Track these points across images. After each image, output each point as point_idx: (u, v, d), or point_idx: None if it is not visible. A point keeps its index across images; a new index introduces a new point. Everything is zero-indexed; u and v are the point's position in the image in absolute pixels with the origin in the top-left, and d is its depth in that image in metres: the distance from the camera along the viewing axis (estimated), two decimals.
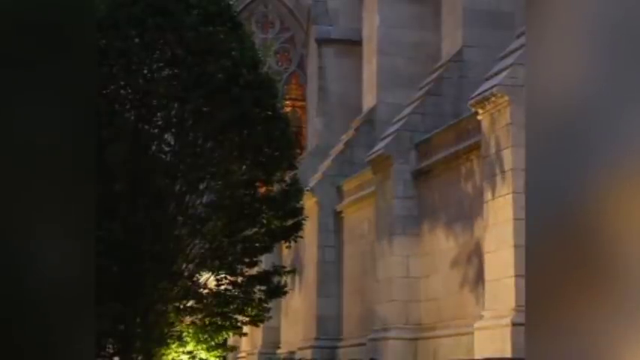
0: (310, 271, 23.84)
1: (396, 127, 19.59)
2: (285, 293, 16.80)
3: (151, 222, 14.73)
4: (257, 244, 16.00)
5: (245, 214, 15.59)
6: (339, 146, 24.11)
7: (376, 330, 19.27)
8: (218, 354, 16.27)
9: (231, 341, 26.55)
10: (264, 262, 17.70)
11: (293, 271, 18.70)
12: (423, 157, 18.85)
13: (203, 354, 15.92)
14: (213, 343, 16.02)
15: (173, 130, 15.42)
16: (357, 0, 25.35)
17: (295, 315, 25.96)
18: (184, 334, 15.71)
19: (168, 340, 15.45)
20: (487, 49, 18.17)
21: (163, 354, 15.45)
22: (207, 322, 15.84)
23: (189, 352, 15.79)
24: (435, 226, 18.31)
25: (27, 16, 5.84)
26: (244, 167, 15.55)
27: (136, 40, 15.07)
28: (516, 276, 14.06)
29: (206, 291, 15.79)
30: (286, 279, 17.45)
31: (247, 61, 15.26)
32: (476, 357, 14.93)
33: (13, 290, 5.64)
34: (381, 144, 19.73)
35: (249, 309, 16.04)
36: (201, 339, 15.86)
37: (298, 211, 16.24)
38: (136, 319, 14.87)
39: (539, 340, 5.80)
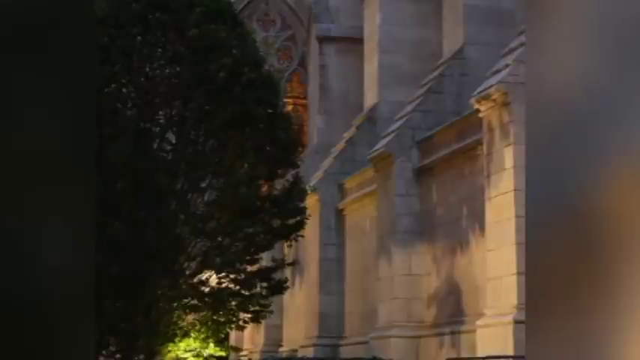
0: (312, 269, 23.85)
1: (397, 124, 19.60)
2: (285, 289, 16.84)
3: (153, 220, 14.75)
4: (258, 242, 16.02)
5: (247, 213, 15.60)
6: (341, 144, 24.12)
7: (378, 328, 19.27)
8: (222, 348, 16.39)
9: (233, 339, 26.64)
10: (265, 259, 17.72)
11: (293, 264, 18.76)
12: (424, 155, 18.86)
13: (211, 350, 16.00)
14: (215, 340, 16.09)
15: (175, 128, 15.43)
16: None
17: (297, 313, 25.97)
18: (191, 331, 15.78)
19: (176, 338, 15.50)
20: (488, 46, 18.19)
21: (170, 351, 15.50)
22: (209, 321, 15.87)
23: (192, 350, 15.84)
24: (436, 223, 18.31)
25: (26, 14, 5.85)
26: (246, 165, 15.56)
27: (139, 38, 15.09)
28: (518, 273, 14.07)
29: (208, 289, 15.81)
30: (287, 276, 17.49)
31: (249, 60, 15.27)
32: (478, 355, 14.94)
33: (13, 289, 5.64)
34: (383, 142, 19.73)
35: (251, 305, 16.08)
36: (207, 335, 15.94)
37: (301, 211, 16.27)
38: (137, 317, 14.88)
39: (540, 338, 5.81)
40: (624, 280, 5.68)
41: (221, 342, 16.59)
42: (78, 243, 5.77)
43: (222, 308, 15.90)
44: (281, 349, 27.18)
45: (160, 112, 15.46)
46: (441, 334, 17.61)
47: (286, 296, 24.23)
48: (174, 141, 15.44)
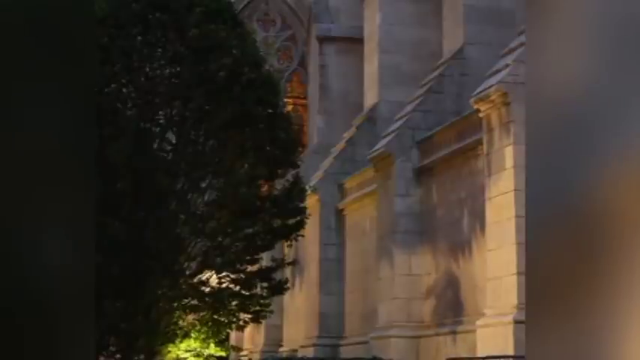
0: (312, 269, 23.85)
1: (397, 124, 19.60)
2: (286, 289, 16.85)
3: (153, 220, 14.75)
4: (258, 242, 16.03)
5: (247, 213, 15.61)
6: (341, 144, 24.12)
7: (378, 328, 19.27)
8: (223, 348, 16.41)
9: (233, 339, 26.64)
10: (265, 259, 17.74)
11: (293, 264, 18.75)
12: (424, 155, 18.86)
13: (211, 349, 16.01)
14: (216, 339, 16.10)
15: (175, 128, 15.43)
16: None
17: (297, 313, 25.97)
18: (191, 331, 15.79)
19: (177, 339, 15.50)
20: (488, 46, 18.19)
21: (170, 351, 15.50)
22: (209, 322, 15.87)
23: (191, 350, 15.84)
24: (436, 224, 18.31)
25: (26, 14, 5.84)
26: (246, 165, 15.56)
27: (139, 38, 15.09)
28: (518, 273, 14.07)
29: (208, 289, 15.82)
30: (287, 276, 17.50)
31: (249, 60, 15.28)
32: (478, 355, 14.94)
33: (13, 289, 5.64)
34: (383, 142, 19.73)
35: (251, 306, 16.09)
36: (208, 335, 15.95)
37: (301, 211, 16.28)
38: (137, 317, 14.89)
39: (540, 338, 5.81)
40: (624, 280, 5.68)
41: (221, 342, 16.60)
42: (78, 243, 5.77)
43: (222, 308, 15.90)
44: (281, 349, 27.17)
45: (160, 112, 15.47)
46: (441, 334, 17.61)
47: (286, 296, 24.23)
48: (174, 141, 15.44)
